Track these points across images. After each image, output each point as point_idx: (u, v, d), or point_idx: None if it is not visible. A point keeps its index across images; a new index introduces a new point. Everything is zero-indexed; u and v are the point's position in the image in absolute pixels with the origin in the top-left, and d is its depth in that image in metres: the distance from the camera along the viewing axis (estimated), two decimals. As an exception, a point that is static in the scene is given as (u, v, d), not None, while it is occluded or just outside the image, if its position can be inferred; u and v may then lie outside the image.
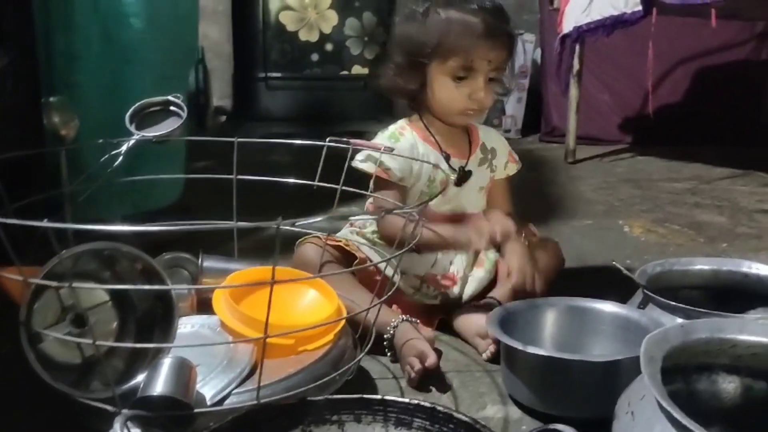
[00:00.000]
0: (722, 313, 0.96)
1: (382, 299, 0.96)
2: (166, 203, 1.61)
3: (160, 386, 0.76)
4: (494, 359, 1.07)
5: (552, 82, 3.05)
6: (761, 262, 1.61)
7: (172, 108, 1.22)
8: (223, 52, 3.30)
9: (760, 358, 0.77)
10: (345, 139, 1.18)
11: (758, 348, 0.76)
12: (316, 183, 1.16)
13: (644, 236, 1.83)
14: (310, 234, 1.19)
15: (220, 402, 0.82)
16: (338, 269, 1.16)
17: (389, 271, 1.08)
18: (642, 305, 1.05)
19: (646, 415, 0.66)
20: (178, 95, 1.22)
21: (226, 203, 1.18)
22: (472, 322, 1.13)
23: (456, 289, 1.22)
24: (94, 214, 1.16)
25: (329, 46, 2.91)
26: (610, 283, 1.16)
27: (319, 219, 0.93)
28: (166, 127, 1.19)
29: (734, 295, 1.14)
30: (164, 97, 1.21)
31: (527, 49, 3.08)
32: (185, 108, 1.21)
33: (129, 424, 0.73)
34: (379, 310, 0.99)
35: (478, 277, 1.24)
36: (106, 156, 1.12)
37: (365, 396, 0.79)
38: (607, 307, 1.07)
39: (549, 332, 1.08)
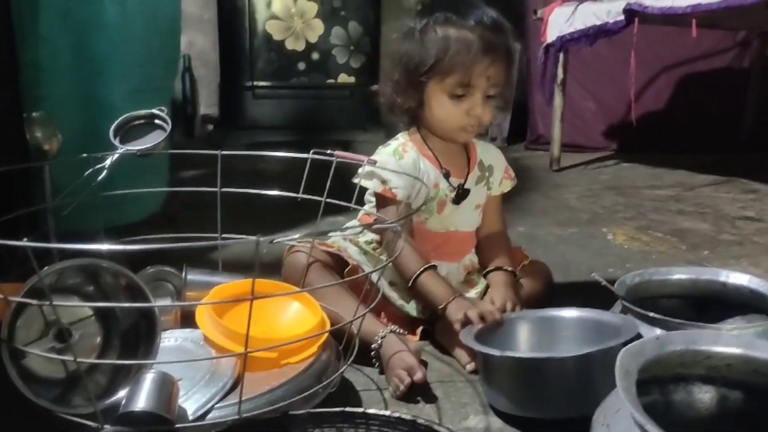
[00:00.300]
0: (699, 324, 0.98)
1: (367, 309, 0.97)
2: (149, 213, 1.61)
3: (142, 402, 0.76)
4: (477, 371, 1.08)
5: (537, 90, 3.08)
6: (742, 269, 1.65)
7: (156, 121, 1.22)
8: (209, 60, 3.30)
9: (734, 369, 0.78)
10: (329, 151, 1.19)
11: (732, 359, 0.78)
12: (300, 195, 1.17)
13: (627, 244, 1.85)
14: (299, 241, 1.20)
15: (203, 417, 0.83)
16: (328, 274, 1.17)
17: (376, 277, 1.08)
18: (621, 316, 1.06)
19: (621, 428, 0.67)
20: (163, 108, 1.23)
21: (211, 212, 1.19)
22: (454, 334, 1.14)
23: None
24: (76, 226, 1.17)
25: (315, 55, 2.93)
26: (593, 292, 1.17)
27: (297, 236, 0.93)
28: (151, 140, 1.20)
29: (712, 304, 1.15)
30: (148, 111, 1.22)
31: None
32: (169, 121, 1.22)
33: (111, 440, 0.73)
34: (362, 321, 0.99)
35: (468, 297, 1.24)
36: (90, 170, 1.12)
37: (347, 409, 0.80)
38: (575, 312, 1.10)
39: (523, 343, 1.10)
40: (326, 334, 0.98)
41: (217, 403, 0.84)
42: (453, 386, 1.07)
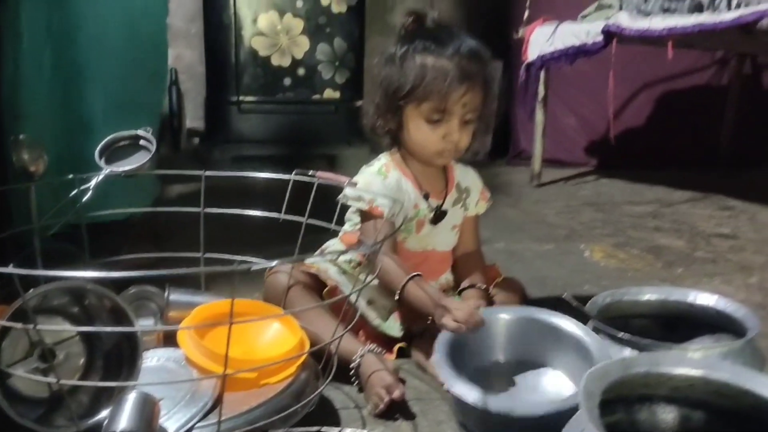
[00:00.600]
0: (665, 344, 1.02)
1: (345, 330, 0.99)
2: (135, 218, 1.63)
3: (124, 422, 0.78)
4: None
5: (520, 106, 3.13)
6: (715, 287, 1.69)
7: (141, 142, 1.25)
8: (196, 74, 3.32)
9: (696, 389, 0.82)
10: (310, 173, 1.22)
11: (694, 380, 0.81)
12: (282, 216, 1.20)
13: (604, 261, 1.89)
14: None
15: (183, 436, 0.85)
16: (308, 295, 1.20)
17: (354, 298, 1.11)
18: (592, 335, 1.09)
19: (584, 448, 0.70)
20: (148, 129, 1.25)
21: (195, 226, 1.21)
22: (430, 353, 1.17)
23: (421, 328, 1.25)
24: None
25: (301, 71, 2.96)
26: (568, 309, 1.20)
27: (276, 262, 0.96)
28: (136, 161, 1.22)
29: (682, 323, 1.19)
30: (133, 132, 1.24)
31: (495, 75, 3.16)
32: (154, 142, 1.24)
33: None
34: (339, 342, 1.02)
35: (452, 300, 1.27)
36: (75, 191, 1.14)
37: (323, 429, 0.83)
38: (548, 315, 1.14)
39: (499, 340, 1.14)
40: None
41: (197, 422, 0.87)
42: (430, 404, 1.10)
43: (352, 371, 1.11)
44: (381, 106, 1.24)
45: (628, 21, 2.35)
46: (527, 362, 1.13)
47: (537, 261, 1.86)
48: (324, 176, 1.22)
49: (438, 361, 1.03)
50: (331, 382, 1.07)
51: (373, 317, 1.25)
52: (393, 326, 1.25)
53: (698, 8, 2.38)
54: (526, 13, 2.71)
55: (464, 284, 1.28)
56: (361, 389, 1.11)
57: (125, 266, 1.25)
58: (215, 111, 3.01)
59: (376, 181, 1.25)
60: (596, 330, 1.10)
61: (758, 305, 1.58)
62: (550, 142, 2.92)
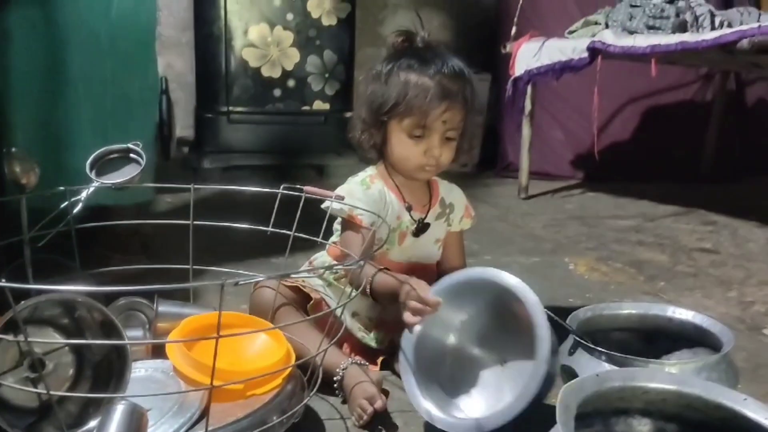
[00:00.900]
0: (643, 360, 1.05)
1: (330, 343, 1.01)
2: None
3: (112, 432, 0.80)
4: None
5: (507, 120, 3.17)
6: (695, 301, 1.73)
7: (131, 155, 1.27)
8: (186, 83, 3.34)
9: (669, 403, 0.85)
10: (298, 187, 1.25)
11: (667, 394, 0.84)
12: (269, 229, 1.22)
13: (588, 274, 1.92)
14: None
15: (171, 446, 0.87)
16: (293, 310, 1.22)
17: (339, 311, 1.13)
18: (572, 350, 1.12)
19: (560, 460, 0.72)
20: (138, 143, 1.27)
21: (184, 236, 1.23)
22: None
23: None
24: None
25: (291, 83, 2.98)
26: (550, 322, 1.22)
27: (262, 277, 0.98)
28: (126, 174, 1.24)
29: (661, 337, 1.22)
30: (124, 145, 1.26)
31: (483, 88, 3.20)
32: (144, 156, 1.26)
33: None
34: (324, 354, 1.04)
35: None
36: (66, 203, 1.16)
37: (308, 440, 0.85)
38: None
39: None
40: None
41: (184, 433, 0.88)
42: (413, 415, 1.12)
43: (336, 383, 1.13)
44: (366, 121, 1.28)
45: (612, 38, 2.39)
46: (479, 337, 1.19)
47: (523, 274, 1.86)
48: (311, 191, 1.25)
49: (404, 371, 1.09)
50: (318, 394, 1.09)
51: (357, 329, 1.27)
52: (377, 338, 1.27)
53: (682, 27, 2.43)
54: (514, 29, 2.75)
55: None
56: (344, 401, 1.13)
57: (115, 277, 1.27)
58: (205, 121, 3.02)
59: (358, 191, 1.28)
60: (576, 344, 1.13)
61: (737, 319, 1.61)
62: (537, 156, 2.95)
